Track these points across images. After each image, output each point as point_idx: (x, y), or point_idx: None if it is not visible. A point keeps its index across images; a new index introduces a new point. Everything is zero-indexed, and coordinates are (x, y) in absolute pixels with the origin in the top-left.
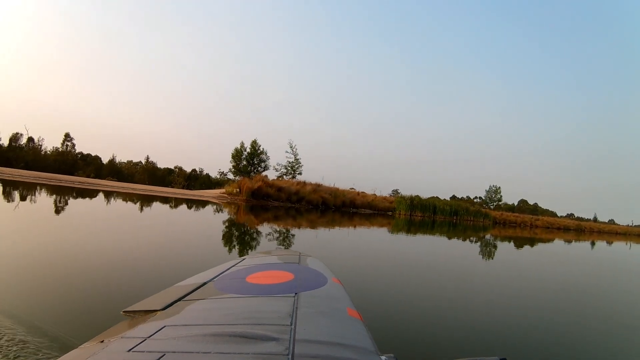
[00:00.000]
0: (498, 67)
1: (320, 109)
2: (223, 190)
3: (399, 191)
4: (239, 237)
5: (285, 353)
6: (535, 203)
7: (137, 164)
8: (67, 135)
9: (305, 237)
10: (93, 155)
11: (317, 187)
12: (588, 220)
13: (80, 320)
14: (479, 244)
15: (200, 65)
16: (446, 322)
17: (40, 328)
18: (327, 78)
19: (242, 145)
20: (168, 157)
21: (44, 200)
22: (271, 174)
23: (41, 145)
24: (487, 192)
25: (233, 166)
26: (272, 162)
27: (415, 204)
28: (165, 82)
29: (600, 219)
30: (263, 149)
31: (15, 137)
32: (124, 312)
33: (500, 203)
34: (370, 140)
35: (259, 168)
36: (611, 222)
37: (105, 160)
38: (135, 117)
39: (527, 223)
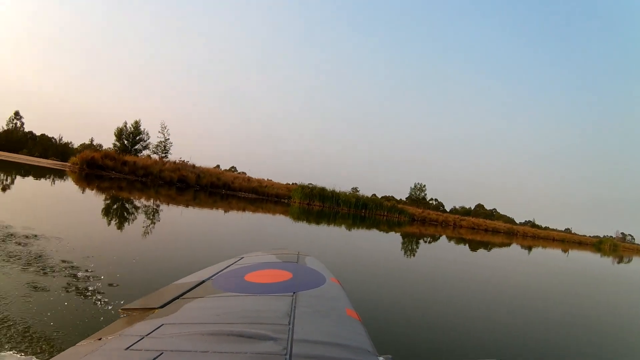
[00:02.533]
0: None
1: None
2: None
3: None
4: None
5: (283, 353)
6: (494, 208)
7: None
8: (16, 114)
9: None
10: (50, 136)
11: (180, 166)
12: (545, 228)
13: (78, 318)
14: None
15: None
16: (444, 324)
17: (38, 325)
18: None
19: (124, 124)
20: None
21: None
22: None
23: None
24: (412, 189)
25: (113, 143)
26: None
27: (314, 193)
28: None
29: (557, 227)
30: (144, 129)
31: None
32: (121, 309)
33: (424, 199)
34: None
35: (139, 146)
36: (567, 230)
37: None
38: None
39: (449, 222)
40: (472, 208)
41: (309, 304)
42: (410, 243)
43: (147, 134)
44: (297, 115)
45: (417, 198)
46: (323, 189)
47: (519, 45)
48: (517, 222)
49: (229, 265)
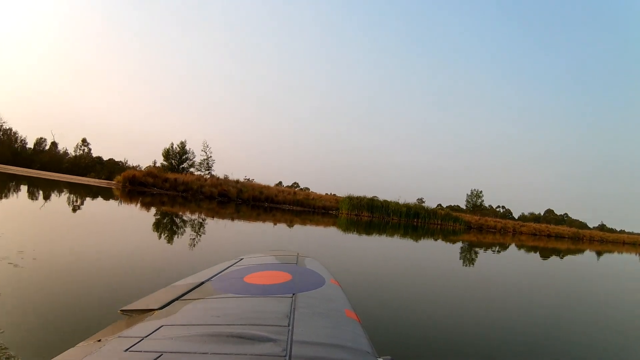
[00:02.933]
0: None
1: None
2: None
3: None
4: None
5: (283, 354)
6: (565, 213)
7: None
8: (84, 140)
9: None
10: (116, 160)
11: (222, 181)
12: (620, 231)
13: (77, 319)
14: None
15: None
16: (444, 325)
17: (37, 326)
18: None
19: (171, 145)
20: None
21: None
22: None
23: (58, 149)
24: (468, 196)
25: (161, 163)
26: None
27: (362, 204)
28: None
29: (634, 230)
30: (189, 148)
31: (39, 142)
32: (121, 311)
33: (482, 206)
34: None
35: (185, 164)
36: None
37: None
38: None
39: (508, 229)
40: (542, 214)
41: (308, 306)
42: (468, 252)
43: (193, 152)
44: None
45: (475, 205)
46: (372, 199)
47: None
48: (591, 226)
49: (229, 267)
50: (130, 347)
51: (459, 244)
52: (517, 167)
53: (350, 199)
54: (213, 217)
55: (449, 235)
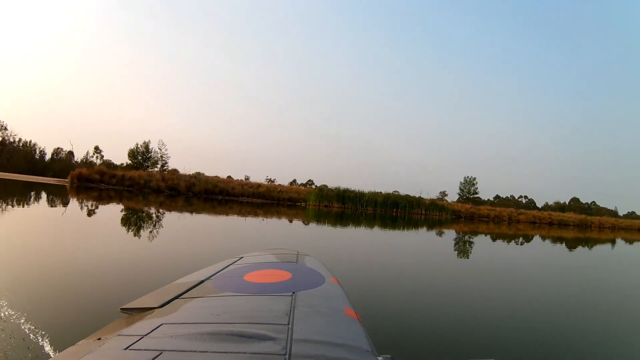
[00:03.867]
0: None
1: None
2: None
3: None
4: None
5: (282, 352)
6: (593, 201)
7: None
8: (96, 148)
9: None
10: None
11: (172, 175)
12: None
13: (77, 317)
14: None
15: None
16: (444, 323)
17: (37, 325)
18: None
19: (136, 145)
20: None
21: None
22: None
23: (75, 157)
24: (462, 183)
25: (127, 162)
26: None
27: (332, 195)
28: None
29: None
30: (152, 147)
31: (56, 151)
32: (121, 309)
33: (474, 196)
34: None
35: (147, 163)
36: None
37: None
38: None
39: (503, 217)
40: (567, 203)
41: (308, 304)
42: (464, 245)
43: (157, 151)
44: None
45: (468, 194)
46: (344, 190)
47: None
48: (621, 214)
49: (228, 265)
50: (130, 345)
51: (452, 237)
52: (539, 155)
53: (320, 190)
54: (161, 210)
55: (435, 226)
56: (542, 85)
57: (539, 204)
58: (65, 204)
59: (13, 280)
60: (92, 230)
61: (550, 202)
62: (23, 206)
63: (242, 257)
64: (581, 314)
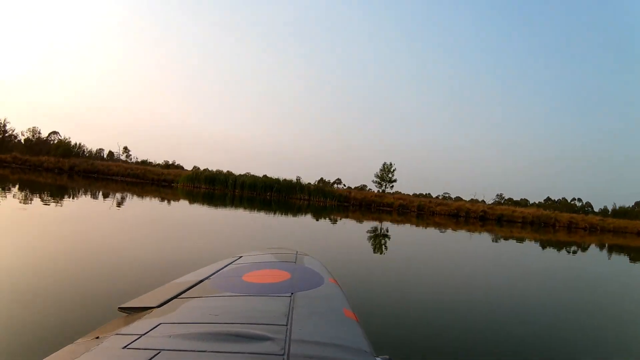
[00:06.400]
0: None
1: None
2: None
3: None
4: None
5: (281, 353)
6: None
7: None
8: (125, 148)
9: None
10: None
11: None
12: None
13: (75, 316)
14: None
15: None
16: (442, 324)
17: (35, 322)
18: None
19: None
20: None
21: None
22: None
23: (116, 157)
24: (381, 170)
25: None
26: None
27: (200, 177)
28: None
29: None
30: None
31: (98, 152)
32: (119, 308)
33: (392, 183)
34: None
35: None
36: None
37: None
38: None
39: (410, 208)
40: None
41: (306, 305)
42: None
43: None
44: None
45: (382, 180)
46: (217, 172)
47: None
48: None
49: (227, 265)
50: (128, 344)
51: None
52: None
53: (193, 172)
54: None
55: (320, 212)
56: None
57: (596, 207)
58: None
59: (10, 278)
60: (89, 227)
61: (616, 206)
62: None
63: (241, 257)
64: (574, 311)
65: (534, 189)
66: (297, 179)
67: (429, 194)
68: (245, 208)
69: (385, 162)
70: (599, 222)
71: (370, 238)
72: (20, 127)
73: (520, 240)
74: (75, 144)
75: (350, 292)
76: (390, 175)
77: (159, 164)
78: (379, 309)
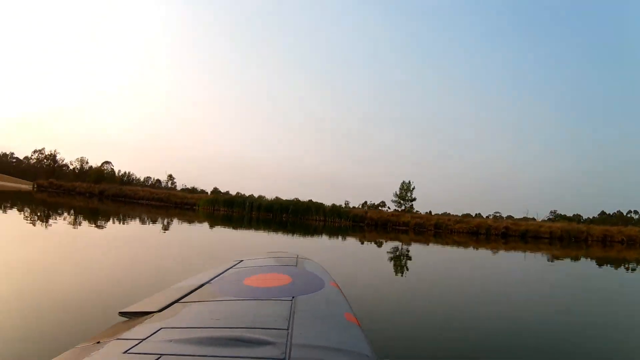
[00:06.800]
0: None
1: None
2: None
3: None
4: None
5: (282, 357)
6: None
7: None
8: (170, 176)
9: None
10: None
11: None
12: None
13: (76, 321)
14: None
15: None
16: (445, 329)
17: (35, 328)
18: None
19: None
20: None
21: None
22: None
23: (162, 185)
24: (400, 189)
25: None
26: None
27: (219, 200)
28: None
29: None
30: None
31: (145, 180)
32: (120, 313)
33: (411, 203)
34: None
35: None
36: None
37: None
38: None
39: (426, 227)
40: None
41: (308, 309)
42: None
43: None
44: None
45: (403, 200)
46: (235, 196)
47: None
48: None
49: (228, 269)
50: (129, 349)
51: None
52: None
53: (213, 196)
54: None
55: (334, 233)
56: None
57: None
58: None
59: (12, 284)
60: (90, 235)
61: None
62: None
63: (241, 261)
64: (572, 319)
65: (589, 204)
66: (309, 200)
67: (477, 214)
68: (259, 229)
69: (404, 181)
70: (639, 234)
71: (380, 256)
72: (74, 156)
73: (533, 251)
74: (125, 172)
75: (351, 296)
76: (409, 194)
77: (188, 188)
78: (380, 313)
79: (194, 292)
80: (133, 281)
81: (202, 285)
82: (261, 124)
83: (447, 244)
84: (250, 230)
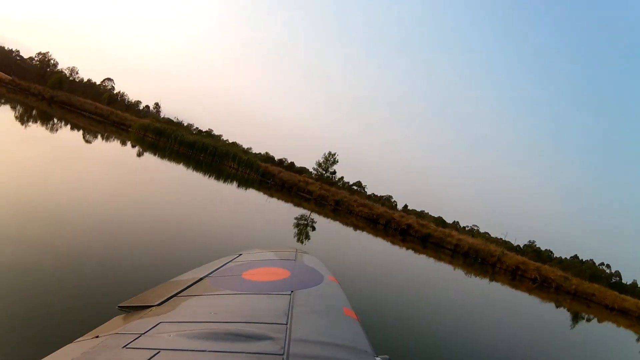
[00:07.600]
0: None
1: None
2: None
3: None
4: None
5: (280, 352)
6: None
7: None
8: (156, 104)
9: None
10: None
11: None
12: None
13: (75, 315)
14: None
15: None
16: (441, 325)
17: (35, 322)
18: None
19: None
20: None
21: None
22: None
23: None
24: (324, 159)
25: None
26: None
27: (151, 127)
28: None
29: None
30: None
31: (136, 102)
32: (119, 307)
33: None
34: None
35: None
36: None
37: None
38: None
39: (325, 199)
40: None
41: (306, 303)
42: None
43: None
44: None
45: (325, 171)
46: (164, 125)
47: None
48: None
49: (227, 263)
50: (128, 343)
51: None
52: None
53: (146, 122)
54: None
55: (243, 182)
56: None
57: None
58: None
59: (8, 278)
60: (92, 222)
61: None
62: None
63: (240, 255)
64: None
65: (564, 245)
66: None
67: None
68: (173, 161)
69: (330, 151)
70: (560, 279)
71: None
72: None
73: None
74: (119, 92)
75: (352, 290)
76: (330, 167)
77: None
78: (379, 308)
79: (193, 286)
80: (132, 274)
81: (201, 279)
82: (261, 69)
83: (346, 224)
84: (164, 160)
